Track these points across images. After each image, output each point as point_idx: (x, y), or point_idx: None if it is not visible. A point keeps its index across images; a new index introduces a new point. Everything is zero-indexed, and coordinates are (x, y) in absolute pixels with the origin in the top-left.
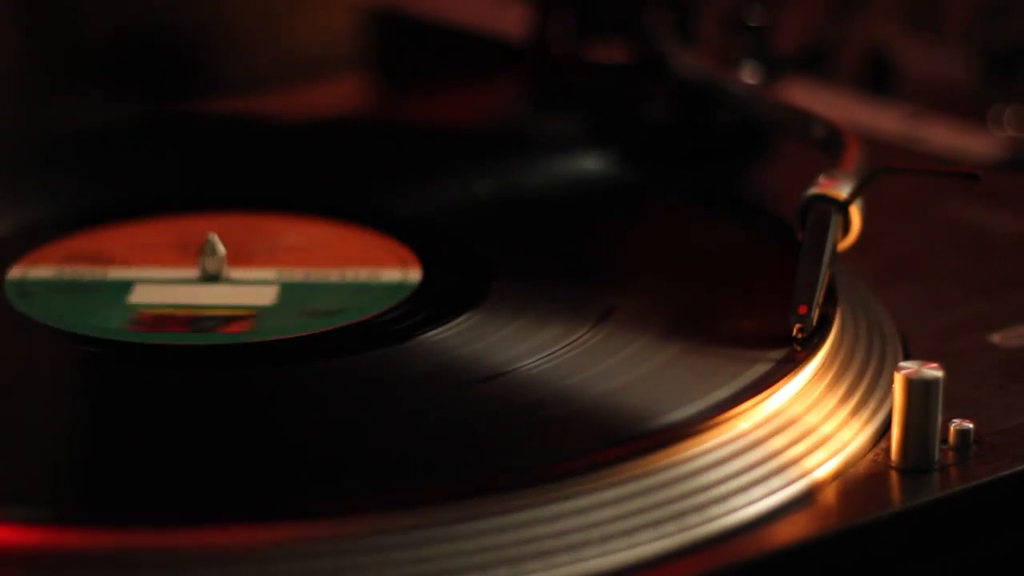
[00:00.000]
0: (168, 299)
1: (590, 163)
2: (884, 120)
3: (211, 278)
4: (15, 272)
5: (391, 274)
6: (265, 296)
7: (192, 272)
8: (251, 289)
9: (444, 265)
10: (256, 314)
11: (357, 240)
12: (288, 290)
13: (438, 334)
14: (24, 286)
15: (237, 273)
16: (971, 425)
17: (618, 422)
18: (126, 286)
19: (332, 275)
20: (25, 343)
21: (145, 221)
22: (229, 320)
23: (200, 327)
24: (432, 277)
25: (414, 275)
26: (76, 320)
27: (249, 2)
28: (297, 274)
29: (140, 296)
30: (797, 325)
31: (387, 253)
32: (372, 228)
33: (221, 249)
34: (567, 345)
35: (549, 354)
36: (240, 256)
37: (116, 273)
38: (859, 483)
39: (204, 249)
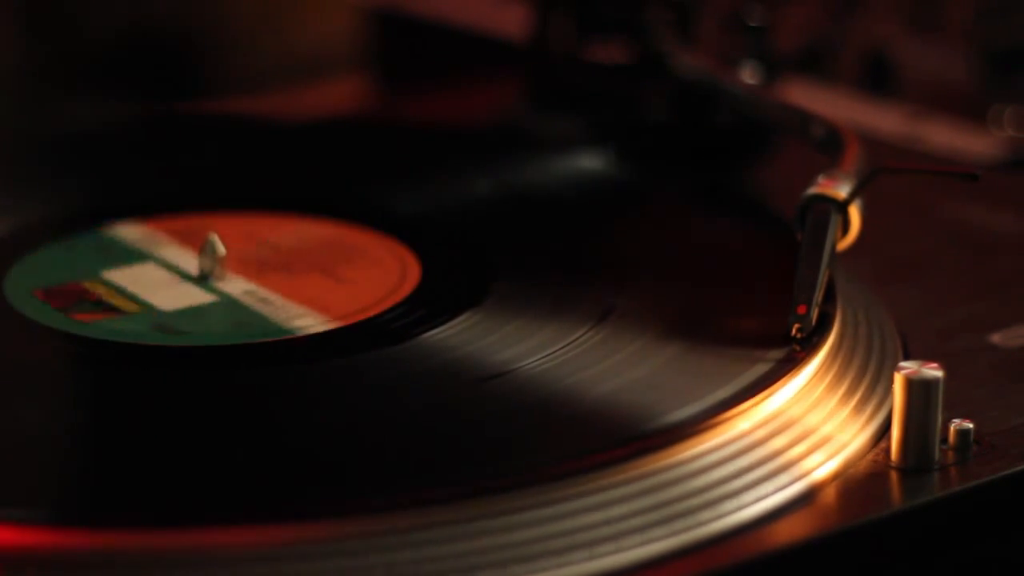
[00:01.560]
0: (124, 281)
1: (590, 163)
2: (884, 120)
3: (199, 277)
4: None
5: (306, 321)
6: (181, 301)
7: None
8: (195, 293)
9: (444, 265)
10: (132, 313)
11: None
12: (220, 305)
13: (437, 334)
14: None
15: (227, 277)
16: (971, 425)
17: (618, 422)
18: (137, 256)
19: (268, 306)
20: (25, 343)
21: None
22: (104, 309)
23: (69, 309)
24: (432, 277)
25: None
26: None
27: (249, 2)
28: (246, 295)
29: (113, 274)
30: (796, 325)
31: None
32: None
33: (221, 249)
34: (567, 345)
35: (549, 354)
36: (238, 258)
37: (159, 249)
38: (859, 483)
39: (204, 249)
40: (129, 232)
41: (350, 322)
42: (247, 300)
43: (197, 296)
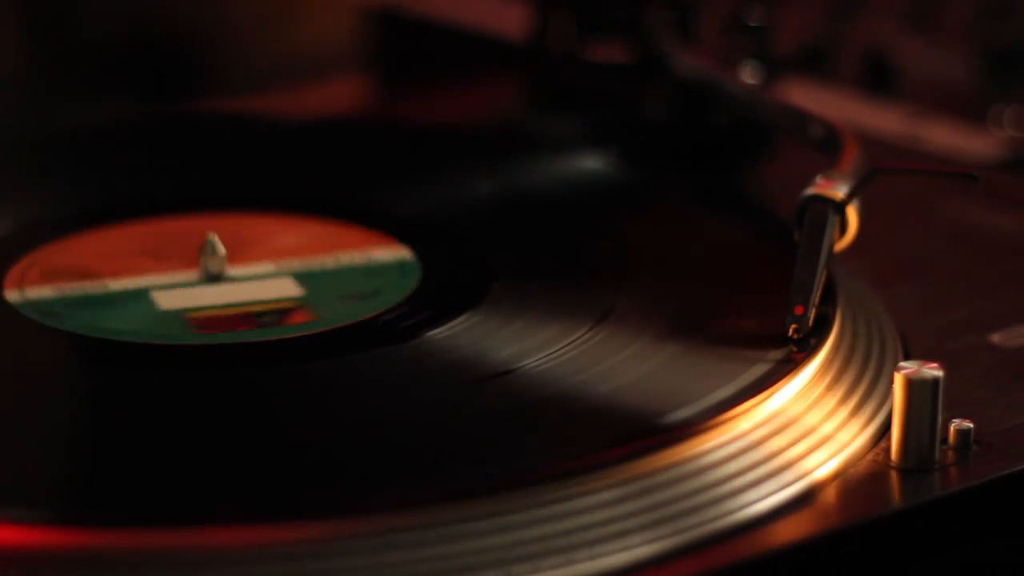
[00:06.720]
0: (199, 302)
1: (590, 163)
2: (884, 120)
3: (214, 278)
4: (13, 294)
5: (382, 254)
6: (289, 288)
7: (192, 274)
8: (267, 283)
9: (444, 265)
10: (303, 304)
11: (356, 240)
12: (306, 279)
13: (437, 334)
14: (40, 306)
15: (238, 271)
16: (971, 425)
17: (618, 422)
18: (140, 294)
19: (329, 262)
20: (25, 343)
21: (143, 221)
22: (283, 313)
23: (263, 323)
24: (432, 277)
25: (407, 255)
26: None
27: (249, 2)
28: (297, 264)
29: (168, 302)
30: (793, 325)
31: (386, 252)
32: (372, 228)
33: (221, 249)
34: (567, 345)
35: (549, 354)
36: (240, 255)
37: (117, 284)
38: (859, 483)
39: (204, 249)
40: (42, 292)
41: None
42: (310, 267)
43: (282, 283)
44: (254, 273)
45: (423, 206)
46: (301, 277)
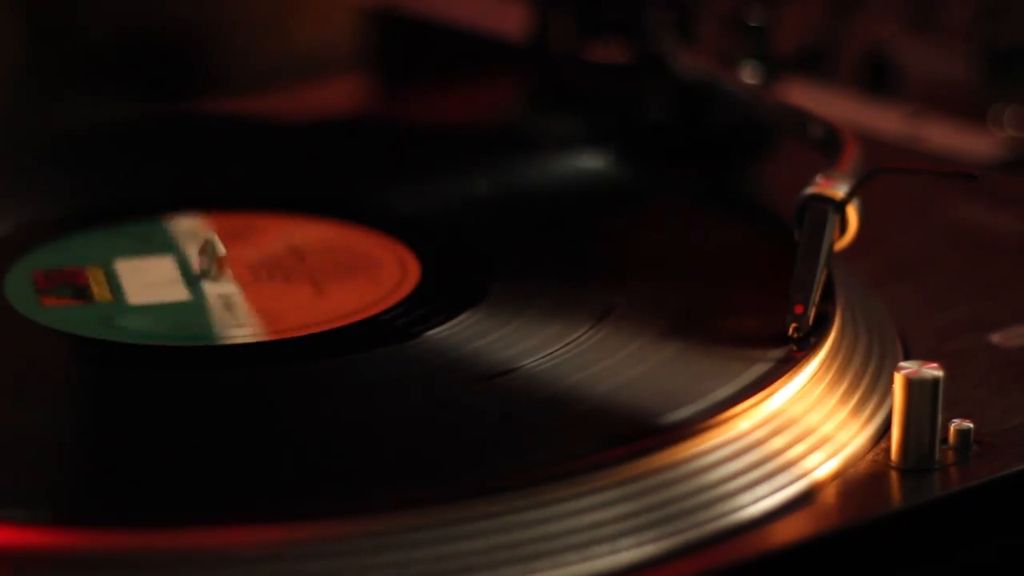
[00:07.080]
0: (125, 271)
1: (590, 163)
2: (884, 120)
3: (201, 274)
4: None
5: (242, 332)
6: (152, 296)
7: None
8: (175, 291)
9: (443, 264)
10: (96, 303)
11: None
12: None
13: (437, 334)
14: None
15: (222, 275)
16: (971, 425)
17: (618, 422)
18: (166, 249)
19: (225, 312)
20: (24, 343)
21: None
22: (76, 296)
23: (47, 292)
24: (432, 277)
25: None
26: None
27: (249, 2)
28: (218, 298)
29: (123, 263)
30: (793, 324)
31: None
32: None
33: (221, 249)
34: (567, 345)
35: (548, 354)
36: (237, 259)
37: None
38: (859, 483)
39: (204, 249)
40: (183, 224)
41: (281, 337)
42: (214, 303)
43: (173, 294)
44: (213, 285)
45: (423, 206)
46: (186, 304)
